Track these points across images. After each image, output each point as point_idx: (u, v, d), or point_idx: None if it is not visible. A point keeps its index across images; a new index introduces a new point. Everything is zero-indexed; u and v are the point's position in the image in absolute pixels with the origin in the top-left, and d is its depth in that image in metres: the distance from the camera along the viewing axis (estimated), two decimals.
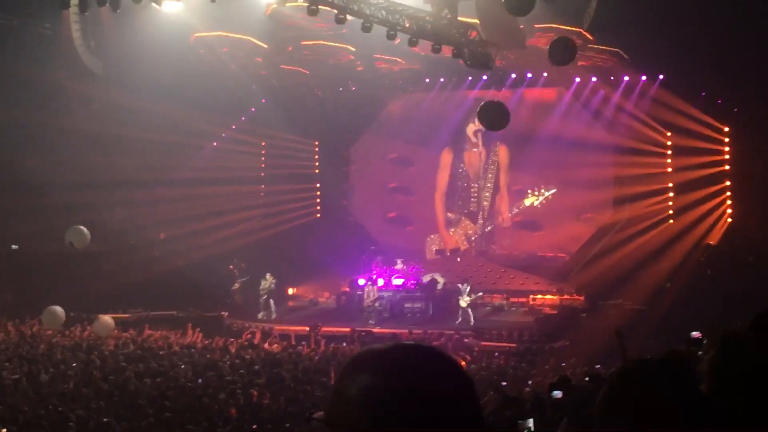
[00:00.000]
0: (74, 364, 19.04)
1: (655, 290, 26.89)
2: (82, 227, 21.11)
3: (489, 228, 36.71)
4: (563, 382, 10.41)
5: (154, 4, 25.22)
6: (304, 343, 24.68)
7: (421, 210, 37.38)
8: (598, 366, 10.09)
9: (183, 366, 19.31)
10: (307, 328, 26.87)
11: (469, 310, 28.56)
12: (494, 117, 12.56)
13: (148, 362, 19.39)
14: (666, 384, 2.52)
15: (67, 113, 30.19)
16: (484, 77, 32.49)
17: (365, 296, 30.02)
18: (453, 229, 37.32)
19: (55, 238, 30.36)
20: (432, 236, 37.43)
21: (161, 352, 21.32)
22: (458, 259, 35.81)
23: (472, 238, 36.83)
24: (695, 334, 10.32)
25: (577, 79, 32.21)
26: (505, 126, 12.90)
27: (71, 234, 21.01)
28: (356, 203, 39.13)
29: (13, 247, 31.84)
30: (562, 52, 12.70)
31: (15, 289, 29.74)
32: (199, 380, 17.64)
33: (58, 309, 20.74)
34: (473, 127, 36.04)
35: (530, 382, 17.79)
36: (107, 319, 21.98)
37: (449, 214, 37.53)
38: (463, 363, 21.25)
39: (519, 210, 35.74)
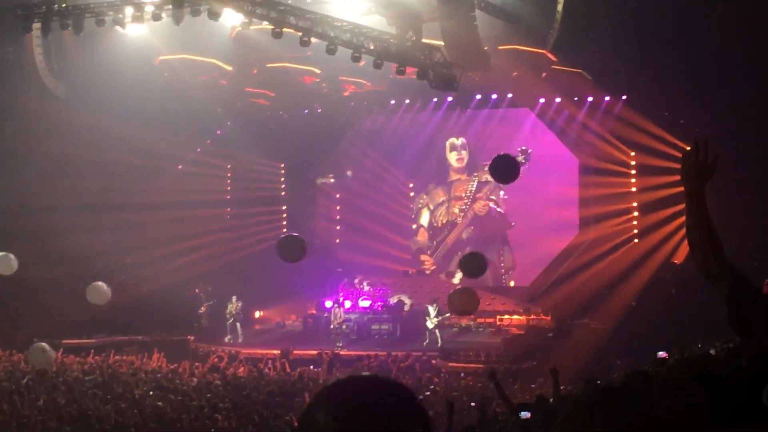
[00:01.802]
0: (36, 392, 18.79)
1: (621, 310, 27.00)
2: (10, 254, 20.75)
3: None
4: (541, 402, 10.39)
5: (117, 27, 25.17)
6: (270, 365, 24.52)
7: (390, 231, 37.44)
8: (562, 387, 10.10)
9: (149, 391, 19.12)
10: (276, 352, 26.74)
11: (437, 331, 28.50)
12: (505, 171, 12.63)
13: (113, 388, 19.18)
14: (623, 412, 2.52)
15: (30, 137, 29.90)
16: (449, 98, 32.66)
17: (332, 318, 29.93)
18: (422, 253, 37.57)
19: (19, 264, 30.07)
20: (411, 257, 37.63)
21: (127, 378, 21.08)
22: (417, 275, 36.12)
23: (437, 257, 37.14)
24: (662, 354, 10.38)
25: (542, 100, 32.40)
26: (514, 180, 13.02)
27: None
28: (322, 225, 39.09)
29: None
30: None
31: None
32: (160, 404, 17.45)
33: (47, 346, 20.15)
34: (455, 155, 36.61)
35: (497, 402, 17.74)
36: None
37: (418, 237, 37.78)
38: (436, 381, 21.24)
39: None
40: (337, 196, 39.50)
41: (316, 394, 2.06)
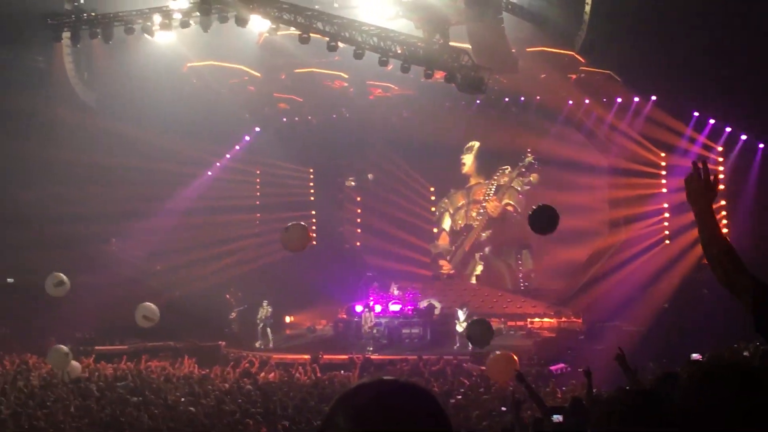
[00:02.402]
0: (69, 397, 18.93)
1: (653, 312, 26.83)
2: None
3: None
4: (576, 405, 10.34)
5: (146, 35, 25.35)
6: (301, 370, 24.54)
7: (419, 235, 37.49)
8: (594, 390, 10.02)
9: (181, 396, 19.21)
10: (306, 357, 26.77)
11: None
12: (545, 221, 12.54)
13: (146, 394, 19.29)
14: (654, 413, 2.57)
15: (61, 145, 30.16)
16: (477, 101, 32.59)
17: (363, 323, 29.91)
18: (449, 256, 37.55)
19: (51, 271, 30.31)
20: (430, 261, 37.61)
21: (159, 383, 21.20)
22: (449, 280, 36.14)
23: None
24: (695, 356, 10.29)
25: (570, 102, 32.23)
26: (553, 231, 12.92)
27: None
28: (352, 230, 39.13)
29: (9, 280, 31.73)
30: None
31: (11, 323, 29.62)
32: (192, 409, 17.52)
33: (64, 348, 20.27)
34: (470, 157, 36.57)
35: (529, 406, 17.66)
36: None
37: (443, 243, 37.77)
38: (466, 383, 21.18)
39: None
40: (358, 199, 39.47)
41: (338, 398, 2.07)
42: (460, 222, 37.64)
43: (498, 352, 14.96)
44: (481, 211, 36.98)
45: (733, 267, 3.65)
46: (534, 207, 12.72)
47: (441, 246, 37.91)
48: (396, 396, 2.02)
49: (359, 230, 39.57)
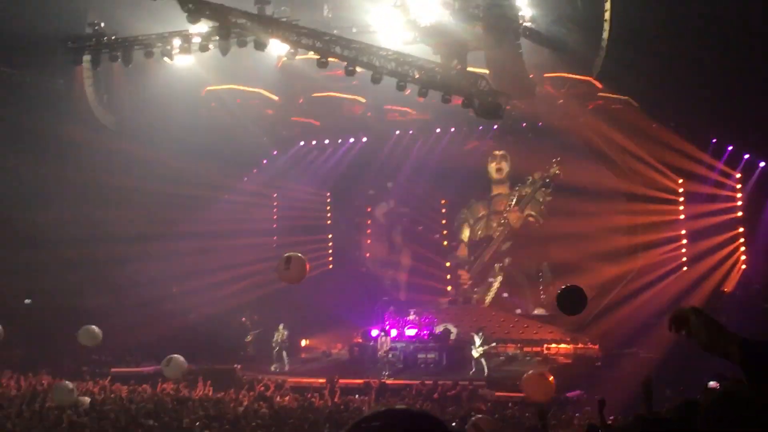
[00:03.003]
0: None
1: (671, 339, 26.63)
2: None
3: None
4: (591, 430, 10.26)
5: (165, 59, 25.51)
6: (317, 394, 24.50)
7: (435, 260, 37.49)
8: (611, 417, 9.95)
9: (196, 420, 19.19)
10: (322, 381, 26.73)
11: (483, 360, 28.30)
12: (572, 302, 12.47)
13: (161, 416, 19.28)
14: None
15: (79, 168, 30.35)
16: (495, 126, 32.60)
17: (378, 347, 29.84)
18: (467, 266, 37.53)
19: (68, 293, 30.46)
20: (446, 287, 37.58)
21: (174, 406, 21.19)
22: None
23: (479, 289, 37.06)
24: (712, 384, 10.19)
25: (587, 127, 32.14)
26: (581, 312, 12.85)
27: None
28: (368, 254, 39.12)
29: (27, 301, 31.85)
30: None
31: (27, 343, 29.69)
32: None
33: (69, 384, 20.29)
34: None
35: None
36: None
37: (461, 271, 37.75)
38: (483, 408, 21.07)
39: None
40: (357, 219, 39.45)
41: (352, 425, 2.06)
42: (480, 233, 37.44)
43: (532, 372, 14.89)
44: (503, 221, 36.80)
45: (716, 333, 3.73)
46: (561, 288, 12.60)
47: (460, 257, 37.77)
48: (407, 423, 2.01)
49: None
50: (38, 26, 25.60)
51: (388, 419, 2.05)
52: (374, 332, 30.69)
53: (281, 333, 30.89)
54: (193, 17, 22.09)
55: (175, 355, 20.13)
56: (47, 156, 29.77)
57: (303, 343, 34.62)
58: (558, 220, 33.90)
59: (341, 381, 26.59)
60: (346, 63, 23.14)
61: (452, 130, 34.92)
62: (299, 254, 15.06)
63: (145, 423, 18.37)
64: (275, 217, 38.90)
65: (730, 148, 29.41)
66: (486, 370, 28.13)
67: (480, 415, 12.54)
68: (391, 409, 2.09)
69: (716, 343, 3.69)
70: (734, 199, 30.32)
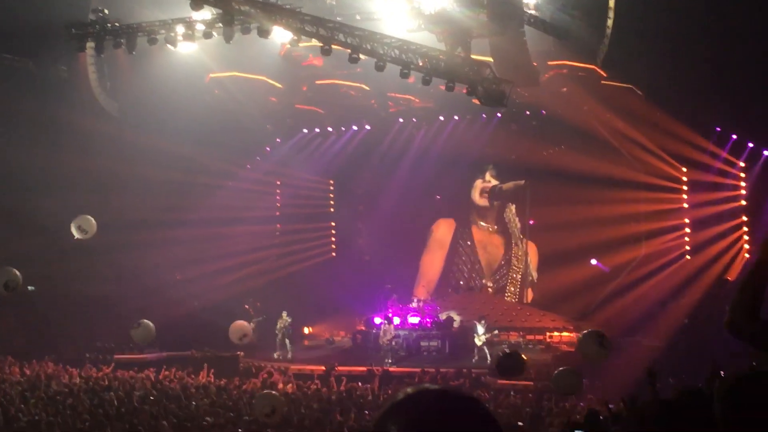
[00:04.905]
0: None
1: (674, 327, 26.67)
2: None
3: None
4: (591, 417, 10.27)
5: (169, 46, 25.46)
6: (318, 382, 24.53)
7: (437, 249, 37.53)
8: (611, 406, 9.95)
9: (200, 406, 19.22)
10: (323, 368, 26.77)
11: (485, 347, 28.33)
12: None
13: (164, 403, 19.31)
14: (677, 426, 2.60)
15: (82, 154, 30.30)
16: (499, 114, 32.55)
17: (381, 335, 29.84)
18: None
19: (71, 280, 30.49)
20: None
21: (177, 393, 21.23)
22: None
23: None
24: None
25: (591, 115, 32.06)
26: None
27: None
28: (371, 242, 39.07)
29: (30, 288, 31.86)
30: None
31: (30, 330, 29.73)
32: (210, 419, 17.53)
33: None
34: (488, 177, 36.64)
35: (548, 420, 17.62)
36: None
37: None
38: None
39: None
40: (360, 207, 39.42)
41: (386, 408, 2.03)
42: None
43: (562, 368, 15.02)
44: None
45: (742, 314, 3.80)
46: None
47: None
48: (449, 406, 1.99)
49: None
50: (42, 13, 25.57)
51: (426, 402, 2.02)
52: (377, 320, 30.70)
53: (284, 320, 30.86)
54: (197, 4, 22.02)
55: (146, 320, 20.34)
56: (50, 143, 29.75)
57: (306, 330, 34.65)
58: (561, 208, 33.80)
59: (345, 368, 26.62)
60: (349, 50, 23.09)
61: (455, 118, 34.84)
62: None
63: (149, 409, 18.41)
64: (278, 204, 38.89)
65: (734, 136, 29.34)
66: (489, 358, 28.15)
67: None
68: (427, 390, 2.07)
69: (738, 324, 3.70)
70: (738, 188, 30.25)
